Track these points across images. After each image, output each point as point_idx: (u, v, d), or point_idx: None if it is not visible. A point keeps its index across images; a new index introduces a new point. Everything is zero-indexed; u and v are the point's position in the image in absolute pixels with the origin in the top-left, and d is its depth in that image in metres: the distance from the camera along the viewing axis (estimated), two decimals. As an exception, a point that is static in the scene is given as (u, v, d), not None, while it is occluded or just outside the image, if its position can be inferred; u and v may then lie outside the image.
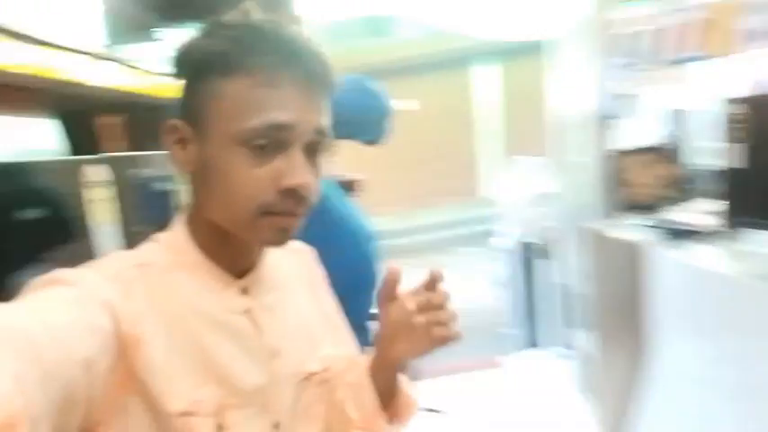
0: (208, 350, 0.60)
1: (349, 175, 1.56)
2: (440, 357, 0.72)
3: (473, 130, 8.96)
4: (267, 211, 0.58)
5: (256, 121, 0.56)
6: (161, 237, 0.66)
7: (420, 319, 0.64)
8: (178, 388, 0.57)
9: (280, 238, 0.62)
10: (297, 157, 0.58)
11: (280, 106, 0.57)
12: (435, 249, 8.43)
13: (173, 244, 0.64)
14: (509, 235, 3.65)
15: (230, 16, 0.59)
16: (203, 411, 0.58)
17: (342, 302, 1.22)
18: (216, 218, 0.62)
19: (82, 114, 1.11)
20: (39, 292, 0.52)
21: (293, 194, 0.58)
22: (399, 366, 0.72)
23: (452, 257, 7.99)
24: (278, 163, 0.58)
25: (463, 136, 9.04)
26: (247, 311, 0.65)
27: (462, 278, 6.32)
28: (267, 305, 0.68)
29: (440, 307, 0.66)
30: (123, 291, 0.56)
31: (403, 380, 0.75)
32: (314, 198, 0.62)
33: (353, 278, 1.22)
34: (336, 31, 8.43)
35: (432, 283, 0.67)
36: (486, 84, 8.84)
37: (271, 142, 0.57)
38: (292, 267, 0.78)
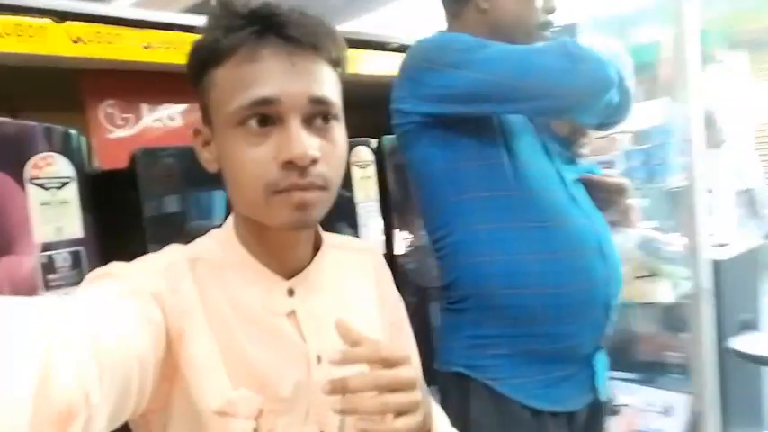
0: (246, 352, 0.59)
1: (605, 174, 1.21)
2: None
3: None
4: (276, 190, 0.56)
5: (241, 99, 0.55)
6: (215, 233, 0.66)
7: (336, 407, 0.54)
8: (215, 386, 0.56)
9: (298, 217, 0.58)
10: (293, 128, 0.56)
11: (261, 81, 0.55)
12: None
13: (223, 241, 0.65)
14: None
15: (211, 8, 0.59)
16: (241, 413, 0.57)
17: (552, 323, 0.97)
18: (241, 210, 0.62)
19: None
20: (93, 285, 0.54)
21: (294, 167, 0.55)
22: None
23: None
24: (275, 139, 0.56)
25: None
26: (291, 314, 0.63)
27: None
28: (314, 308, 0.65)
29: (367, 389, 0.54)
30: (171, 284, 0.57)
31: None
32: (325, 169, 0.58)
33: (565, 293, 0.98)
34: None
35: (384, 361, 0.56)
36: None
37: (264, 119, 0.56)
38: (356, 270, 0.74)
